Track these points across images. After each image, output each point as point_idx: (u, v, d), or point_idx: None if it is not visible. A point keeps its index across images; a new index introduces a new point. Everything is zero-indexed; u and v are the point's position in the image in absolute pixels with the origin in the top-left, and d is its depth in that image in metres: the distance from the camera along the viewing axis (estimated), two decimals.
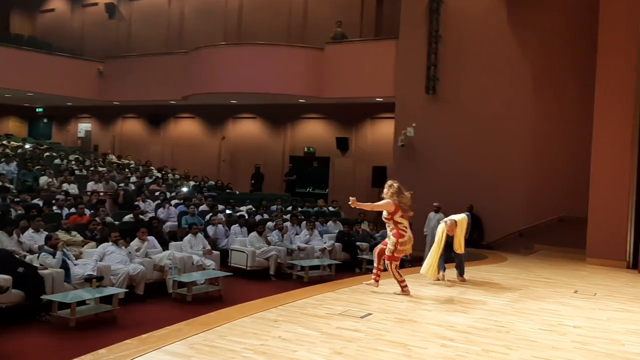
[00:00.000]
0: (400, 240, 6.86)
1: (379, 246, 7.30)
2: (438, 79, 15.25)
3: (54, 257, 8.06)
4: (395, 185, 7.03)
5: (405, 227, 6.94)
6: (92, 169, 17.33)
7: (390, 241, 6.94)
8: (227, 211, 14.10)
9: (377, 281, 7.30)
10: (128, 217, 12.15)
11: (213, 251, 10.73)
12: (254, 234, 11.75)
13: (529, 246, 13.64)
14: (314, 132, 19.62)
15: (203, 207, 14.01)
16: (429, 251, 14.57)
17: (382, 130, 17.94)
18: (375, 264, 7.34)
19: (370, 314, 5.78)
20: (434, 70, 15.26)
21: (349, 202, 6.98)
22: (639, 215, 10.78)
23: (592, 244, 11.29)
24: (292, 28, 19.84)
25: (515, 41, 14.42)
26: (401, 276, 7.02)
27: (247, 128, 20.87)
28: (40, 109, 25.56)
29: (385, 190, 7.05)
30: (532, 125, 14.16)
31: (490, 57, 14.67)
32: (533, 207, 13.89)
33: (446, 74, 15.20)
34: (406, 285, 7.02)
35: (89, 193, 13.62)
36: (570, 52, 13.63)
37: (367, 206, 7.25)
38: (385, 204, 6.93)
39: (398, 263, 6.99)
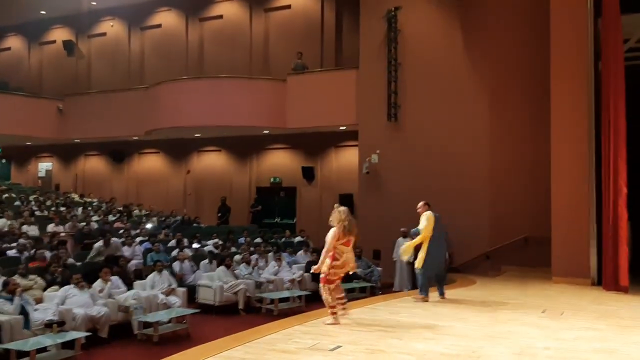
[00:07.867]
0: (334, 263, 6.74)
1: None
2: (399, 106, 15.45)
3: (11, 303, 7.78)
4: (342, 209, 6.88)
5: (341, 253, 6.77)
6: (53, 209, 16.91)
7: (325, 264, 6.78)
8: (194, 245, 13.88)
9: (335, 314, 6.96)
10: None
11: (179, 288, 10.51)
12: (221, 268, 11.56)
13: (496, 267, 13.76)
14: (280, 162, 19.60)
15: (171, 243, 13.77)
16: (399, 277, 14.64)
17: (347, 158, 18.03)
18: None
19: (339, 347, 5.70)
20: (394, 97, 15.47)
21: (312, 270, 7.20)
22: (600, 232, 10.96)
23: (557, 263, 11.43)
24: (254, 60, 19.95)
25: (471, 66, 14.73)
26: (334, 301, 6.79)
27: (212, 161, 20.73)
28: None
29: (332, 216, 6.86)
30: (491, 147, 14.40)
31: (447, 83, 14.94)
32: (498, 229, 14.03)
33: (406, 100, 15.42)
34: (336, 313, 6.80)
35: (49, 234, 13.25)
36: (525, 75, 13.95)
37: (323, 257, 6.86)
38: (332, 238, 6.75)
39: (332, 286, 6.79)
